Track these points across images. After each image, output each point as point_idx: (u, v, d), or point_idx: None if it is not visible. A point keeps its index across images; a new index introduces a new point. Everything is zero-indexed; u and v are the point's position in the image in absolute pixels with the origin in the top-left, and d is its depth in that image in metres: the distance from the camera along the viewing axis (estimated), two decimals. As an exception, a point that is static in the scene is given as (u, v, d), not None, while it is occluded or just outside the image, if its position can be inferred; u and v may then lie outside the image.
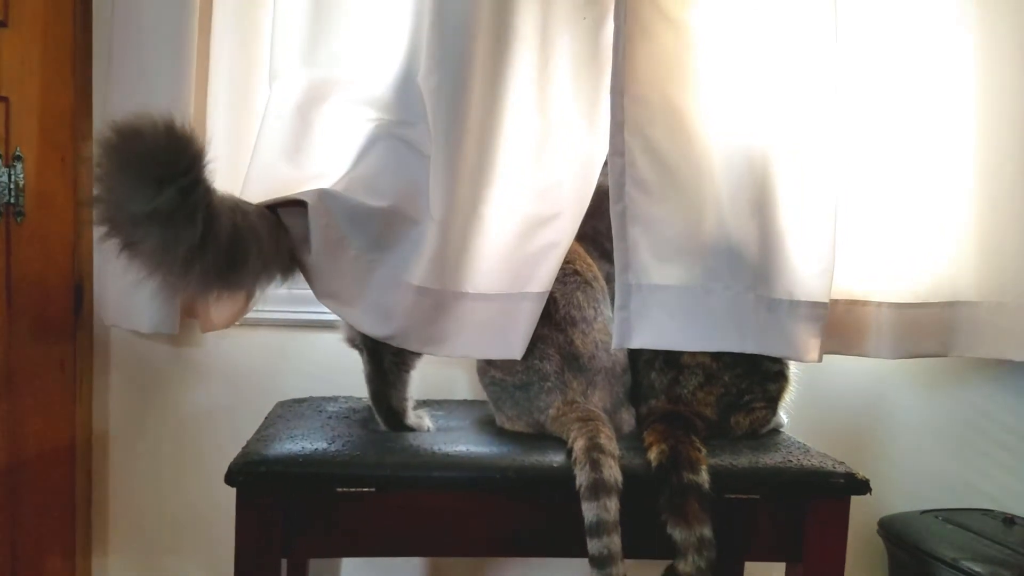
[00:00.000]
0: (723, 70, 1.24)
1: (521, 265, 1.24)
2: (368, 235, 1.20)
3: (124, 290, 1.36)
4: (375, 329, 1.21)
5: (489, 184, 1.23)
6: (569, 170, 1.26)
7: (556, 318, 1.24)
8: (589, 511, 1.07)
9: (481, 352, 1.26)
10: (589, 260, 1.33)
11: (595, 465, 1.08)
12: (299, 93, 1.28)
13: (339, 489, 1.11)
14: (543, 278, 1.24)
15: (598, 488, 1.07)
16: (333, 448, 1.16)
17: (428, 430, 1.27)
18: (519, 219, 1.25)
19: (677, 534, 1.08)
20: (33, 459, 1.44)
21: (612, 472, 1.08)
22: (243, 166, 1.28)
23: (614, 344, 1.25)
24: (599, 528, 1.06)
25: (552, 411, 1.24)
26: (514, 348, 1.23)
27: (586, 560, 1.07)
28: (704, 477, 1.11)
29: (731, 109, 1.25)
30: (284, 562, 1.12)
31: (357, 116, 1.28)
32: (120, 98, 1.34)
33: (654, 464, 1.12)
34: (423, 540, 1.15)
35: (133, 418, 1.58)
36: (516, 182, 1.25)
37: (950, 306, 1.47)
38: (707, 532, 1.08)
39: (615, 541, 1.06)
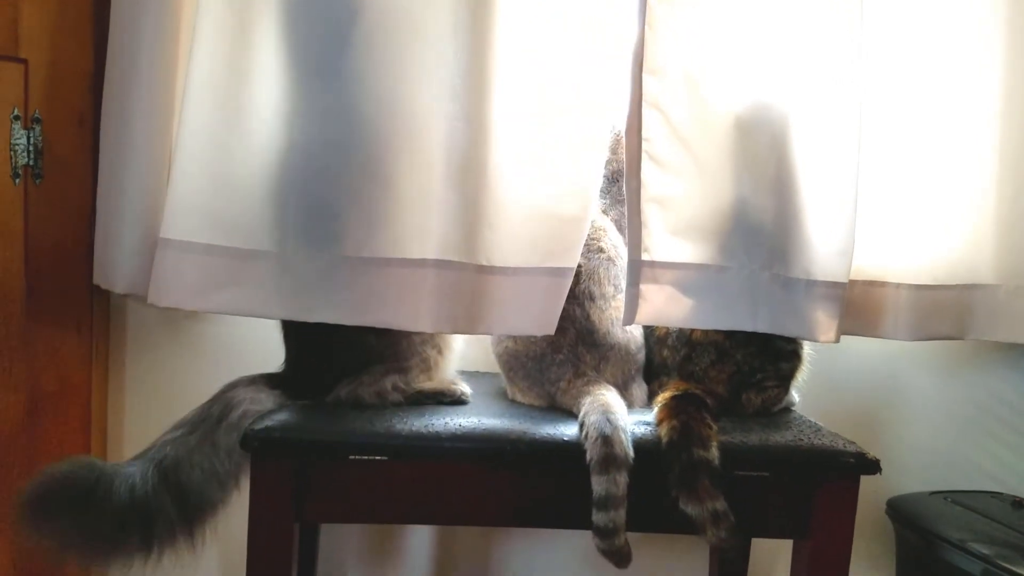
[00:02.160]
0: (744, 45, 1.23)
1: (547, 238, 1.22)
2: (352, 229, 1.17)
3: (107, 249, 1.35)
4: (409, 321, 1.19)
5: (512, 154, 1.21)
6: (594, 141, 1.24)
7: (575, 291, 1.24)
8: (598, 484, 1.08)
9: (515, 328, 1.24)
10: (617, 239, 1.32)
11: (607, 440, 1.09)
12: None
13: (352, 456, 1.12)
14: (571, 252, 1.22)
15: (609, 462, 1.08)
16: (346, 416, 1.17)
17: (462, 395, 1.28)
18: (542, 190, 1.22)
19: (691, 510, 1.09)
20: (50, 420, 1.45)
21: (623, 447, 1.09)
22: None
23: (623, 321, 1.25)
24: (607, 502, 1.07)
25: (563, 383, 1.25)
26: (547, 323, 1.21)
27: (590, 532, 1.09)
28: (714, 453, 1.11)
29: (752, 85, 1.23)
30: (296, 528, 1.14)
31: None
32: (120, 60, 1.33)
33: (665, 440, 1.12)
34: (433, 509, 1.16)
35: (149, 382, 1.60)
36: (539, 154, 1.22)
37: (968, 289, 1.45)
38: (720, 505, 1.08)
39: (621, 515, 1.07)
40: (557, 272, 1.22)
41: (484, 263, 1.20)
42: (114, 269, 1.32)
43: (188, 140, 1.17)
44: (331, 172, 1.17)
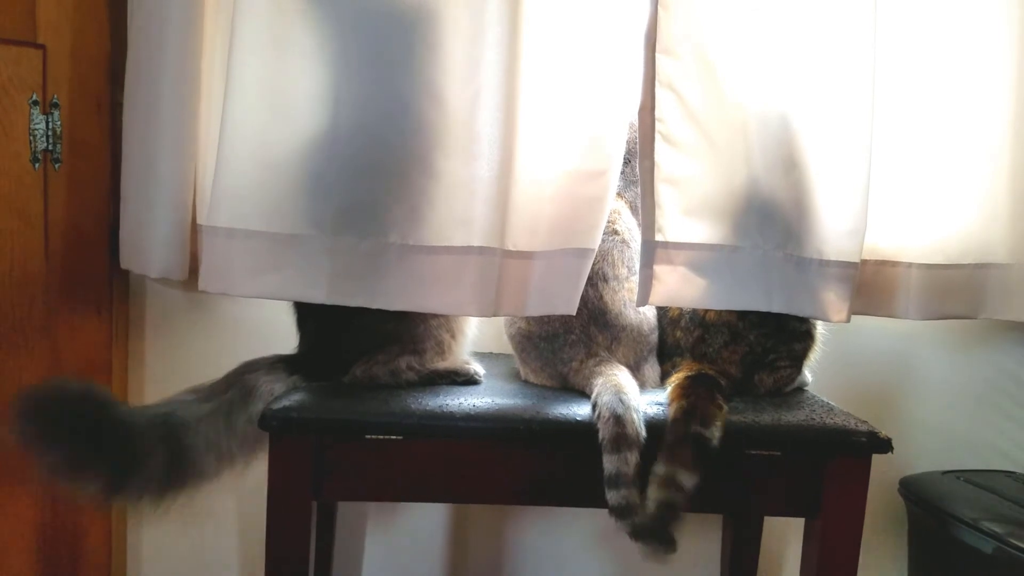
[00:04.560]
0: (756, 24, 1.22)
1: (570, 220, 1.22)
2: (397, 216, 1.17)
3: (138, 233, 1.37)
4: (457, 307, 1.20)
5: (540, 138, 1.21)
6: (615, 123, 1.24)
7: (589, 272, 1.24)
8: (610, 463, 1.09)
9: (543, 309, 1.24)
10: (631, 222, 1.32)
11: (619, 420, 1.10)
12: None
13: (367, 436, 1.13)
14: (592, 233, 1.22)
15: (620, 442, 1.09)
16: (362, 396, 1.19)
17: (475, 374, 1.30)
18: (565, 174, 1.22)
19: (659, 468, 1.09)
20: (72, 400, 1.48)
21: (635, 427, 1.10)
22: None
23: (636, 302, 1.26)
24: (618, 480, 1.08)
25: (575, 364, 1.26)
26: (570, 303, 1.22)
27: (602, 510, 1.10)
28: (714, 433, 1.11)
29: (765, 63, 1.22)
30: (314, 505, 1.16)
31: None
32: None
33: (671, 418, 1.14)
34: (447, 487, 1.17)
35: (169, 362, 1.62)
36: (562, 139, 1.22)
37: (980, 268, 1.45)
38: (687, 480, 1.07)
39: (633, 493, 1.08)
40: (579, 253, 1.22)
41: (512, 247, 1.21)
42: (147, 254, 1.34)
43: (231, 128, 1.17)
44: (376, 160, 1.17)
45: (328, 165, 1.18)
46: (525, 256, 1.22)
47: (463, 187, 1.18)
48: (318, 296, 1.19)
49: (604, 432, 1.10)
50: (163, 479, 1.15)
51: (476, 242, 1.18)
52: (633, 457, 1.09)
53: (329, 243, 1.18)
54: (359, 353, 1.26)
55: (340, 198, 1.18)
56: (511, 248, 1.21)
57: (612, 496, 1.09)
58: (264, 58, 1.17)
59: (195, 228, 1.34)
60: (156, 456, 1.14)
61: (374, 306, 1.18)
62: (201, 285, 1.21)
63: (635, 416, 1.11)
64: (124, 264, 1.42)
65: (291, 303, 1.32)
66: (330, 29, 1.18)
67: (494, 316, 1.23)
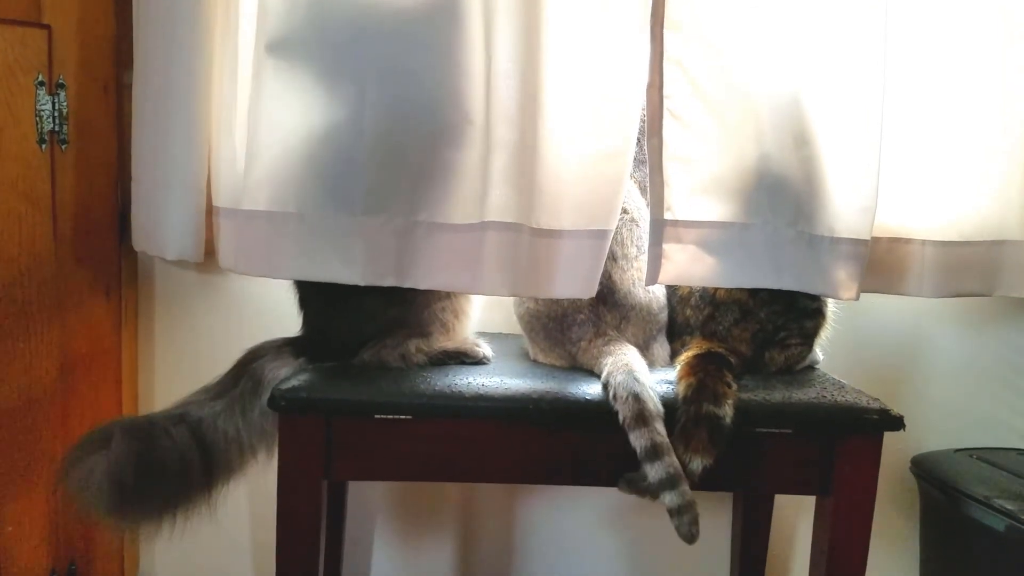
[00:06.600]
0: None
1: (591, 201, 1.20)
2: (404, 196, 1.17)
3: (152, 216, 1.37)
4: (468, 284, 1.21)
5: (558, 118, 1.19)
6: (629, 103, 1.21)
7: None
8: (639, 439, 1.08)
9: (562, 291, 1.23)
10: (641, 201, 1.31)
11: (637, 397, 1.09)
12: None
13: (377, 416, 1.13)
14: (611, 214, 1.21)
15: (644, 417, 1.08)
16: (371, 377, 1.19)
17: (484, 356, 1.30)
18: (585, 154, 1.20)
19: (686, 461, 1.09)
20: (82, 382, 1.48)
21: (653, 402, 1.10)
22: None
23: (646, 281, 1.25)
24: (655, 451, 1.07)
25: (584, 343, 1.25)
26: (590, 286, 1.21)
27: (611, 490, 1.09)
28: (726, 411, 1.11)
29: (776, 39, 1.21)
30: (324, 485, 1.16)
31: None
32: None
33: (680, 396, 1.13)
34: (457, 467, 1.18)
35: (178, 343, 1.62)
36: (582, 117, 1.20)
37: (995, 245, 1.43)
38: (705, 461, 1.08)
39: (675, 461, 1.07)
40: (599, 235, 1.20)
41: (535, 225, 1.19)
42: (162, 237, 1.34)
43: (265, 113, 1.18)
44: (402, 142, 1.17)
45: (356, 148, 1.18)
46: (550, 235, 1.20)
47: (475, 164, 1.18)
48: (352, 277, 1.20)
49: (624, 411, 1.09)
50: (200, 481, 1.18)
51: (490, 217, 1.18)
52: (661, 426, 1.08)
53: (360, 224, 1.18)
54: (364, 336, 1.26)
55: (368, 180, 1.18)
56: (535, 226, 1.19)
57: (654, 470, 1.07)
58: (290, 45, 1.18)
59: (210, 210, 1.34)
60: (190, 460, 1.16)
61: (405, 285, 1.19)
62: (222, 264, 1.21)
63: (651, 393, 1.11)
64: (137, 246, 1.42)
65: (292, 284, 1.32)
66: (352, 18, 1.18)
67: (516, 296, 1.24)
